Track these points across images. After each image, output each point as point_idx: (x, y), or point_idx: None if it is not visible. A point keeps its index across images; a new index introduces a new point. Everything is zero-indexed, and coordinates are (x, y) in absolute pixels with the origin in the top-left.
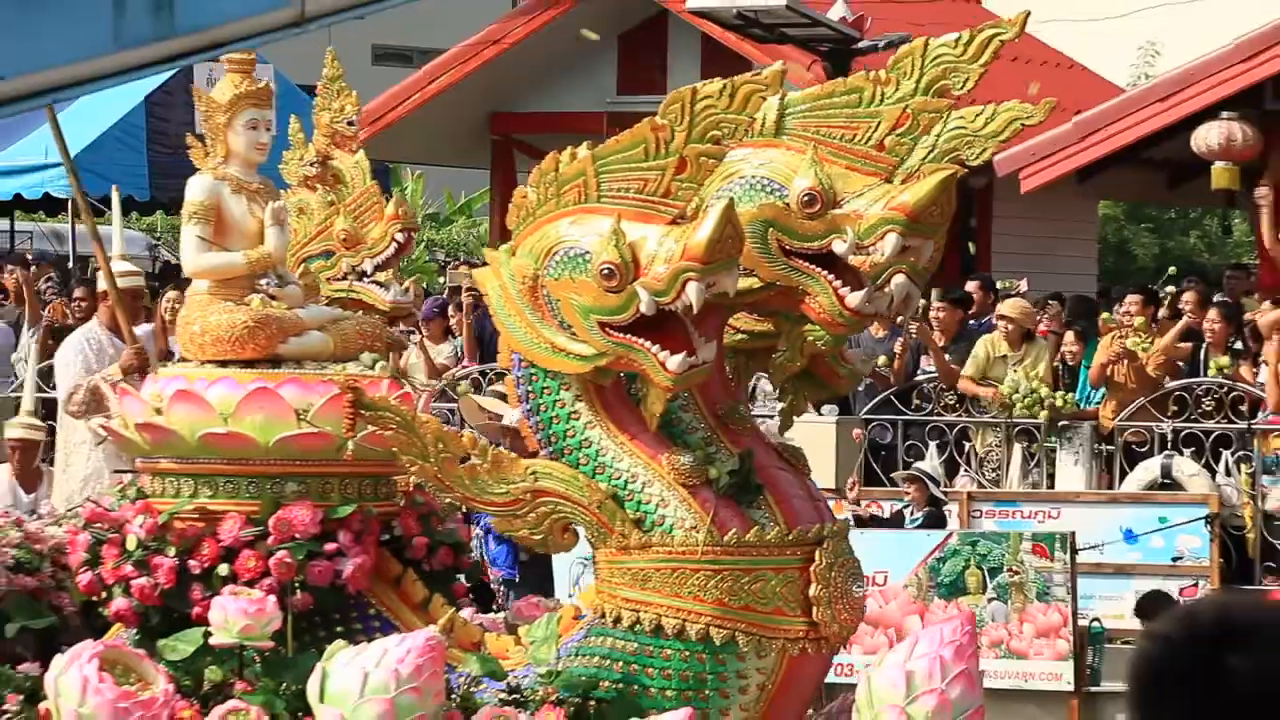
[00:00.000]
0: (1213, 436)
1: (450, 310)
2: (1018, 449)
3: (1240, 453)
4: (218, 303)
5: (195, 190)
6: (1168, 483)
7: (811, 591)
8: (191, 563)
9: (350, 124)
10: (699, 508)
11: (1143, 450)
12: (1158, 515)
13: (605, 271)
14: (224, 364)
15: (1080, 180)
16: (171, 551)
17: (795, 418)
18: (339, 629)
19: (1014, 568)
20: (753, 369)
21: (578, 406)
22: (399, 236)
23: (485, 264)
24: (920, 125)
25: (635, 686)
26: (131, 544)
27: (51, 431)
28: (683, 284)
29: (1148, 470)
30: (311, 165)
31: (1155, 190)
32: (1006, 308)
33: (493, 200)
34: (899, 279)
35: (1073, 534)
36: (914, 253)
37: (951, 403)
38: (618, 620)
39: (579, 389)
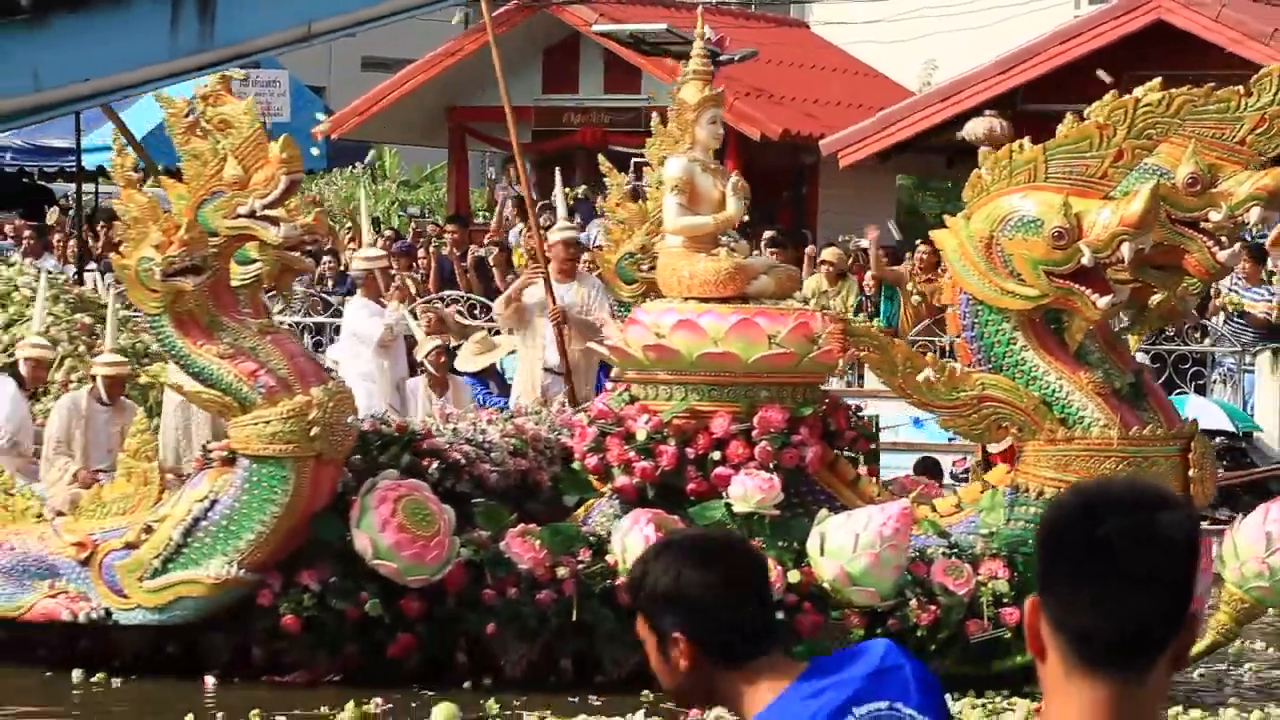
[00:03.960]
0: None
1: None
2: None
3: None
4: (692, 254)
5: (674, 169)
6: None
7: (1191, 473)
8: (688, 450)
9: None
10: (1109, 410)
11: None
12: None
13: (1056, 233)
14: (703, 300)
15: (882, 160)
16: (672, 442)
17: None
18: (795, 501)
19: None
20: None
21: (1015, 335)
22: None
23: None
24: (1275, 129)
25: None
26: (641, 436)
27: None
28: (1119, 244)
29: None
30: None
31: (937, 168)
32: (827, 254)
33: (450, 170)
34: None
35: (877, 418)
36: (1268, 222)
37: None
38: (1040, 494)
39: (1016, 321)
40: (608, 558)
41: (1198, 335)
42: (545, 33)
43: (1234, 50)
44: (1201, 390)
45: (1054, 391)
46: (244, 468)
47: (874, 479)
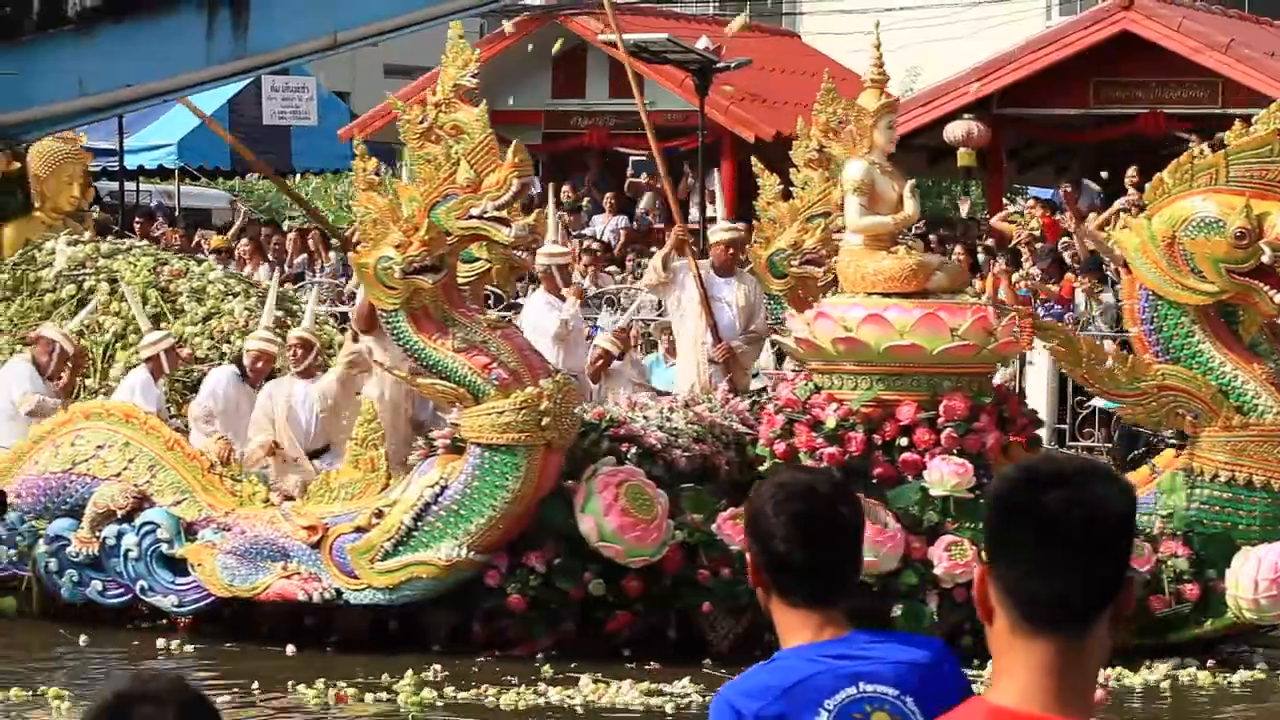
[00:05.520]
0: None
1: None
2: None
3: None
4: (872, 252)
5: (854, 171)
6: None
7: None
8: (874, 437)
9: (841, 122)
10: None
11: None
12: None
13: (1239, 234)
14: (885, 295)
15: None
16: (860, 429)
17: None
18: (975, 485)
19: None
20: None
21: (1193, 328)
22: None
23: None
24: None
25: (1228, 524)
26: (830, 423)
27: None
28: None
29: None
30: (816, 151)
31: (919, 166)
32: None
33: None
34: None
35: None
36: None
37: None
38: (1214, 477)
39: (1194, 315)
40: None
41: None
42: (554, 42)
43: (1194, 59)
44: None
45: (1230, 381)
46: (475, 455)
47: None
